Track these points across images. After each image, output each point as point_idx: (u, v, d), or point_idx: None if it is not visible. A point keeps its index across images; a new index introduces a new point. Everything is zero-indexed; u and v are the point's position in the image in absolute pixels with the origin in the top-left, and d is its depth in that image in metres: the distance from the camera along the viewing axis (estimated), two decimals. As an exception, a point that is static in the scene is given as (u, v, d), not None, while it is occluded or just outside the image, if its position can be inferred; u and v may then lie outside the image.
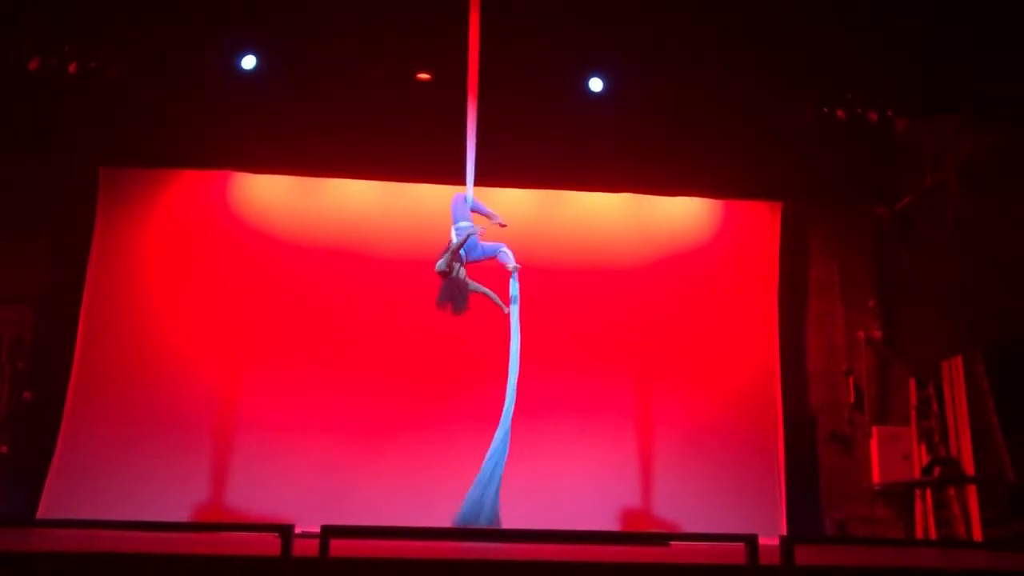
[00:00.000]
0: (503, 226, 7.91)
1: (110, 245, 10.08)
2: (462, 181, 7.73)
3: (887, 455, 10.12)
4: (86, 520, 7.86)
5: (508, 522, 8.85)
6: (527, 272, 10.06)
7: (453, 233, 7.59)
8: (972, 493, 9.53)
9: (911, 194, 10.53)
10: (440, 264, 7.47)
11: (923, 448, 10.09)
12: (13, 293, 9.80)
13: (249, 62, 9.61)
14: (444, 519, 8.95)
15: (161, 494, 9.30)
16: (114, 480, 9.32)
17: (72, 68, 9.51)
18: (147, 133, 9.91)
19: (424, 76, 9.84)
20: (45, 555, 4.64)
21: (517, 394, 9.86)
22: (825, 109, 10.15)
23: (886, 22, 8.84)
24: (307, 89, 9.88)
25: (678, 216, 10.73)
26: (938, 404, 10.16)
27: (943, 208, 9.91)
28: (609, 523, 9.56)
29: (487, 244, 7.76)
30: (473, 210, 7.78)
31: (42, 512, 9.09)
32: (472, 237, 7.52)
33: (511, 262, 7.62)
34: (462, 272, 7.53)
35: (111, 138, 9.96)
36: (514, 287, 7.67)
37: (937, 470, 9.54)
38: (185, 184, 10.38)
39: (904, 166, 10.66)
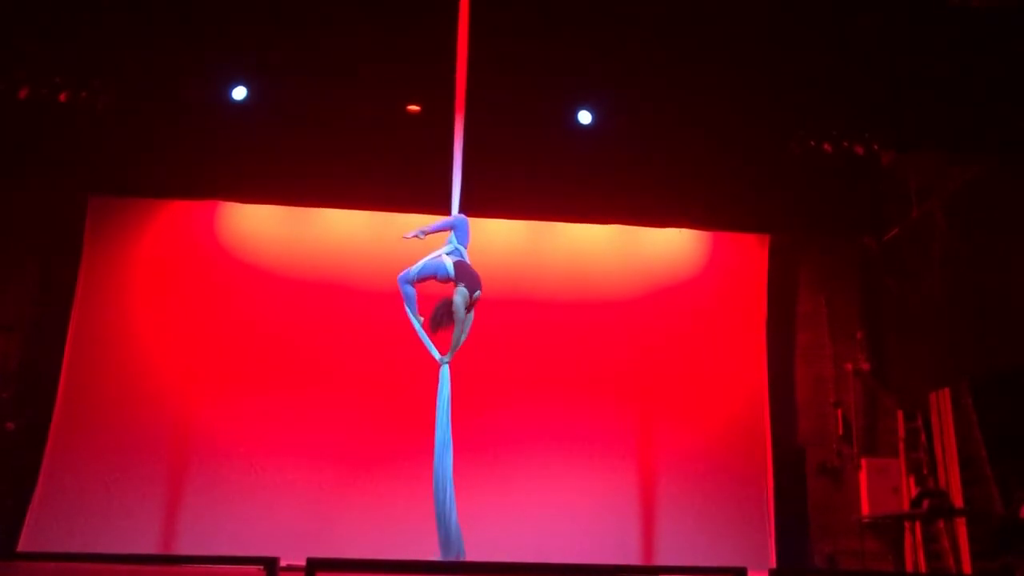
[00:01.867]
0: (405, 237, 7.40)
1: (97, 274, 10.03)
2: (450, 211, 7.71)
3: (876, 487, 10.09)
4: (68, 553, 7.77)
5: (498, 555, 8.78)
6: (513, 303, 10.14)
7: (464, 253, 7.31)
8: (961, 526, 9.51)
9: (898, 226, 10.60)
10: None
11: (912, 480, 10.08)
12: (-1, 322, 9.74)
13: (239, 93, 9.64)
14: (430, 551, 8.87)
15: (144, 525, 9.22)
16: (97, 512, 9.21)
17: (62, 97, 9.53)
18: (136, 162, 9.90)
19: (414, 108, 9.89)
20: (25, 588, 4.57)
21: (506, 426, 9.89)
22: (812, 142, 10.23)
23: (872, 56, 8.96)
24: (296, 119, 9.91)
25: (666, 248, 10.76)
26: (926, 436, 10.17)
27: (930, 240, 9.97)
28: (598, 556, 9.48)
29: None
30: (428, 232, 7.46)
31: (23, 544, 8.98)
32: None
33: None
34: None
35: (100, 167, 9.93)
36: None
37: (926, 503, 9.52)
38: (173, 213, 10.35)
39: (891, 199, 10.75)
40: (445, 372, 6.87)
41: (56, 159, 9.88)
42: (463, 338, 6.91)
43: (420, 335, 6.84)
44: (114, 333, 9.92)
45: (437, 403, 6.83)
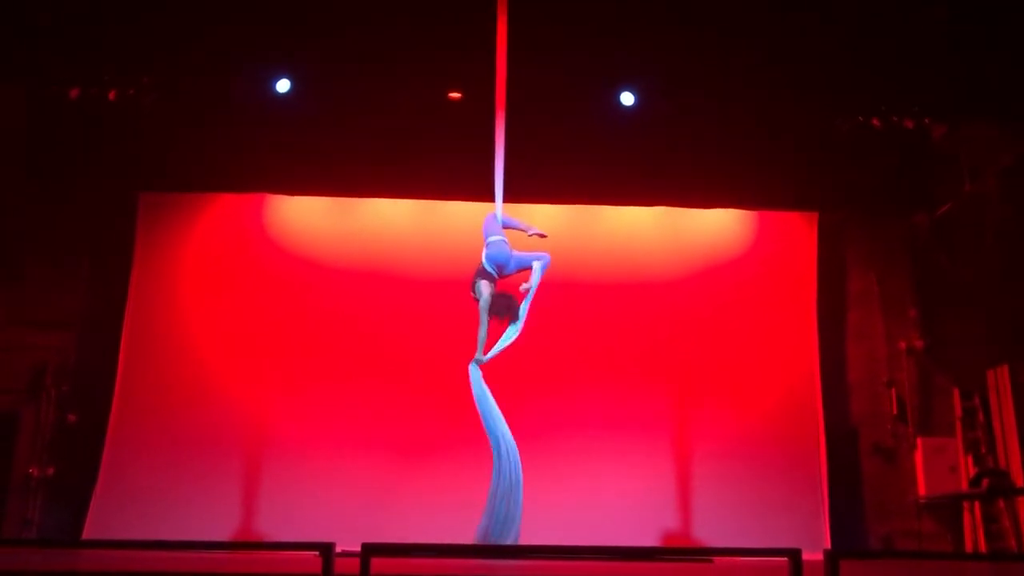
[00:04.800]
0: (543, 236, 7.79)
1: (149, 269, 10.24)
2: (493, 198, 7.74)
3: (932, 467, 9.93)
4: (130, 540, 7.95)
5: (548, 539, 8.80)
6: (559, 287, 10.12)
7: (484, 254, 7.52)
8: (1023, 505, 9.32)
9: (950, 202, 10.38)
10: (475, 291, 7.34)
11: (970, 459, 9.90)
12: (57, 319, 9.97)
13: (283, 86, 9.75)
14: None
15: (202, 513, 9.39)
16: (157, 500, 9.42)
17: (111, 96, 9.70)
18: (184, 158, 10.07)
19: (455, 95, 9.91)
20: (92, 574, 4.70)
21: (554, 410, 9.89)
22: (860, 118, 10.04)
23: (920, 28, 8.77)
24: (340, 110, 9.99)
25: (713, 229, 10.66)
26: (984, 414, 9.97)
27: (983, 215, 9.76)
28: (650, 540, 9.47)
29: (524, 254, 7.62)
30: (505, 226, 7.71)
31: (88, 532, 9.23)
32: (503, 252, 7.41)
33: (537, 270, 7.40)
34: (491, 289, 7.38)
35: (149, 164, 10.12)
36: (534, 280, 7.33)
37: (985, 482, 9.34)
38: (222, 208, 10.52)
39: (942, 174, 10.52)
40: (477, 372, 7.01)
41: (106, 158, 10.10)
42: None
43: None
44: (168, 326, 10.12)
45: (480, 403, 6.95)
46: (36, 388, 9.79)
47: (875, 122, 10.06)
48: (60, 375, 9.84)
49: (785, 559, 4.44)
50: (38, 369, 9.83)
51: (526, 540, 8.47)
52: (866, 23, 8.80)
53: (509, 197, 7.69)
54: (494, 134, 7.43)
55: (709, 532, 9.61)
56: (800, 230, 10.68)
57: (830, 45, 9.02)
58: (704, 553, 6.91)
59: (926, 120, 10.11)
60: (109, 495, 9.44)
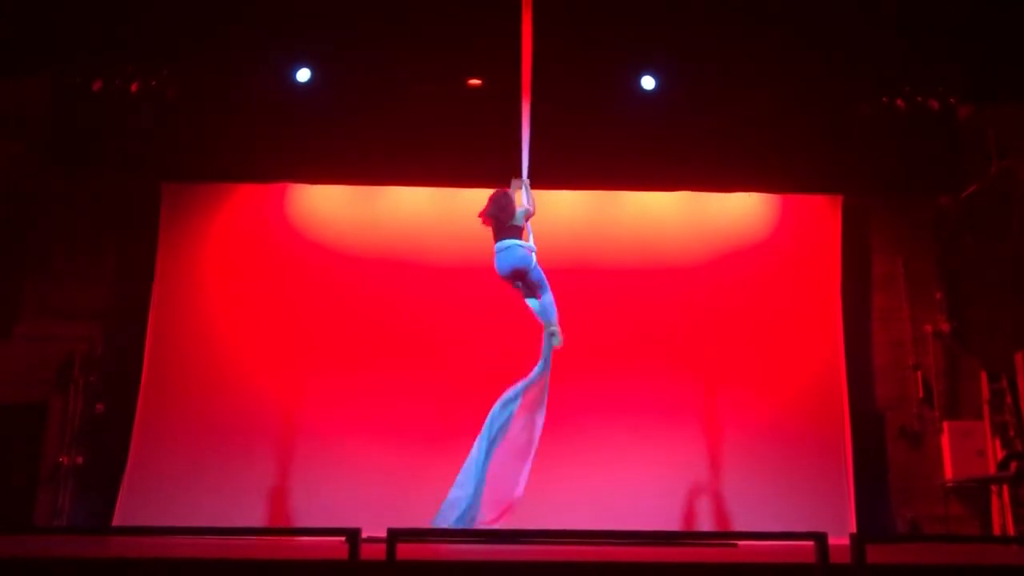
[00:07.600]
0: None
1: (174, 259, 10.30)
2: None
3: (959, 451, 9.86)
4: (159, 527, 8.05)
5: (573, 524, 8.81)
6: (584, 273, 10.12)
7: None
8: (1051, 488, 9.24)
9: (976, 183, 10.26)
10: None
11: (997, 443, 9.81)
12: (83, 309, 10.07)
13: (304, 75, 9.77)
14: (508, 521, 8.90)
15: (229, 500, 9.47)
16: (184, 487, 9.51)
17: (134, 87, 9.77)
18: (207, 148, 10.13)
19: (476, 82, 9.88)
20: (122, 561, 4.76)
21: (578, 396, 9.88)
22: (884, 99, 9.93)
23: (943, 7, 8.65)
24: (360, 99, 10.00)
25: (736, 213, 10.59)
26: (1012, 397, 9.87)
27: (1010, 196, 9.64)
28: (674, 524, 9.47)
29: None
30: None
31: (117, 519, 9.34)
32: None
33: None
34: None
35: (172, 154, 10.19)
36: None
37: (1014, 465, 9.26)
38: (244, 197, 10.57)
39: (968, 155, 10.40)
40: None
41: (130, 148, 10.16)
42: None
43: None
44: (192, 315, 10.19)
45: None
46: (64, 378, 9.91)
47: (900, 103, 9.95)
48: (87, 365, 9.95)
49: (811, 543, 4.42)
50: (66, 359, 9.94)
51: (553, 525, 8.50)
52: (890, 3, 8.69)
53: (533, 183, 7.69)
54: (520, 120, 7.42)
55: (734, 516, 9.60)
56: (824, 213, 10.59)
57: (854, 26, 8.91)
58: (728, 537, 6.90)
59: (952, 100, 9.98)
60: (137, 483, 9.55)
